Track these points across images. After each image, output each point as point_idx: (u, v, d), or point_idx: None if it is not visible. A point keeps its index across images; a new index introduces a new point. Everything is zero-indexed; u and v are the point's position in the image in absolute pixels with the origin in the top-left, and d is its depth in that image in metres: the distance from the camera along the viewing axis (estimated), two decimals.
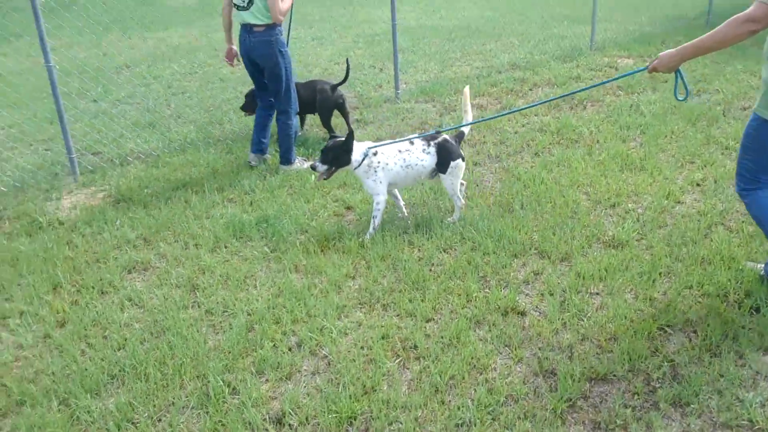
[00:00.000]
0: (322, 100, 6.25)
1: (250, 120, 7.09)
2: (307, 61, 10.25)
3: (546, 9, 14.18)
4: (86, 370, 3.20)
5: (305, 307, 3.65)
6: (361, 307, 3.65)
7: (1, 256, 4.40)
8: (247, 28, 5.35)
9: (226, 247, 4.39)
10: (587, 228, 4.36)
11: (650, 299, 3.54)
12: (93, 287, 3.96)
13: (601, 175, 5.18)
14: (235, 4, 5.30)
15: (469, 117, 4.57)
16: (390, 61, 8.28)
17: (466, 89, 4.57)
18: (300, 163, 5.84)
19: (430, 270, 3.99)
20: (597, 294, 3.65)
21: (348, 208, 4.94)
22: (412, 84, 8.51)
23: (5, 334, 3.60)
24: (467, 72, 8.98)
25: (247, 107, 6.21)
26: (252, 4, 5.19)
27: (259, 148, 5.88)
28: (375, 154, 4.35)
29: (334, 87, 6.29)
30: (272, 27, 5.31)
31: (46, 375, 3.22)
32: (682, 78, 3.51)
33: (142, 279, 4.11)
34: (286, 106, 5.64)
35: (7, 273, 4.18)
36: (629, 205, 4.69)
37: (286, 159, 5.74)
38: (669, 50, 3.36)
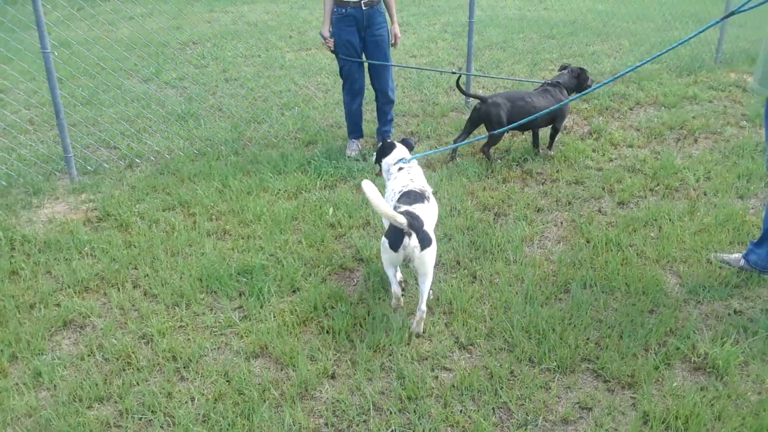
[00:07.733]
0: None
1: (291, 121, 6.18)
2: None
3: (671, 6, 12.27)
4: None
5: (249, 422, 2.67)
6: None
7: None
8: None
9: (188, 305, 3.46)
10: (670, 336, 3.12)
11: None
12: (10, 344, 3.15)
13: (703, 249, 3.87)
14: None
15: None
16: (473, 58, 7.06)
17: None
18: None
19: (435, 379, 2.91)
20: None
21: (360, 260, 3.89)
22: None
23: None
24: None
25: None
26: None
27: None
28: None
29: None
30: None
31: None
32: None
33: (72, 342, 3.23)
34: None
35: None
36: (738, 303, 3.39)
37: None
38: None
